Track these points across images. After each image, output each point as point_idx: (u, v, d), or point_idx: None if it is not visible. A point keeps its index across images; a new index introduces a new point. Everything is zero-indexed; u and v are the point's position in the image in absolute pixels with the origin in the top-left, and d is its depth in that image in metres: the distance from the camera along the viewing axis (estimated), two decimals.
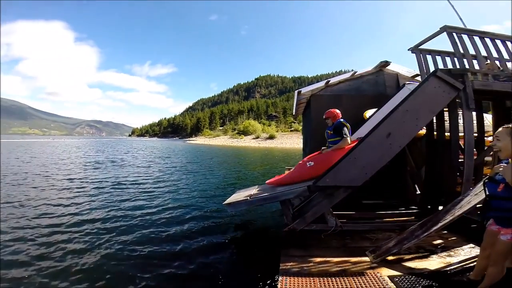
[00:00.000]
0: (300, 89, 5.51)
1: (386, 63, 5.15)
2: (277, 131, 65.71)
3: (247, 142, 56.61)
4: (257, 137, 61.75)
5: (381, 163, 2.95)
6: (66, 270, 3.18)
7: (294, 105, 6.35)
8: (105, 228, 4.57)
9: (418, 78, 5.00)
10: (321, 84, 5.30)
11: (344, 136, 3.78)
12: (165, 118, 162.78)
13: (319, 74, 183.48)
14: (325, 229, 3.21)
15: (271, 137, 57.19)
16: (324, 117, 4.17)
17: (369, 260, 2.68)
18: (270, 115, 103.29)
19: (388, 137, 2.97)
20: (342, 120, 4.01)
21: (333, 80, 5.25)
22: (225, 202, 3.76)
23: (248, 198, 3.40)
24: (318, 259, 2.75)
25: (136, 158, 20.68)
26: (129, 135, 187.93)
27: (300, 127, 68.33)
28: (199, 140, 75.79)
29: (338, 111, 4.13)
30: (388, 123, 3.00)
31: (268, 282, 2.87)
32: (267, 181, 4.59)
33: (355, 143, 3.88)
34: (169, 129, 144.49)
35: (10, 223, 4.76)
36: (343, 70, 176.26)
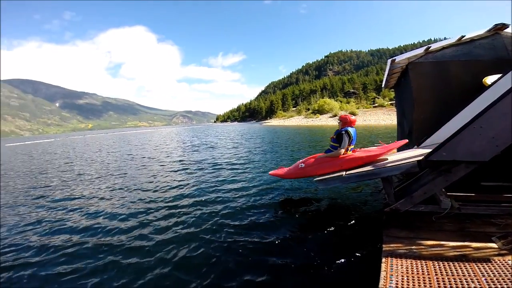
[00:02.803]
0: (393, 57, 5.04)
1: (504, 26, 4.37)
2: (357, 108, 60.49)
3: (323, 121, 54.41)
4: (335, 115, 58.45)
5: None
6: (174, 257, 3.31)
7: (385, 75, 5.85)
8: (210, 212, 4.83)
9: None
10: (420, 51, 4.78)
11: (341, 146, 4.11)
12: (242, 104, 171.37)
13: (402, 45, 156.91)
14: (436, 211, 2.91)
15: (351, 115, 53.17)
16: (338, 119, 4.50)
17: (496, 246, 2.37)
18: (347, 92, 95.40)
19: None
20: (349, 129, 4.23)
21: (434, 46, 4.68)
22: (317, 178, 3.83)
23: (343, 174, 3.35)
24: (430, 242, 2.57)
25: (224, 140, 22.81)
26: (214, 121, 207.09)
27: (386, 102, 60.93)
28: (274, 122, 77.26)
29: (353, 118, 4.40)
30: None
31: (369, 263, 2.76)
32: (269, 172, 5.47)
33: (356, 151, 4.28)
34: (247, 113, 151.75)
35: (138, 206, 5.40)
36: (432, 39, 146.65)
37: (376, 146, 4.67)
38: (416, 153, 3.42)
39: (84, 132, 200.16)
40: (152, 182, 7.68)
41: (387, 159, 3.97)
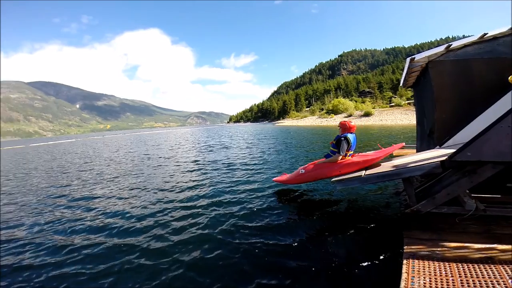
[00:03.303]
0: (412, 56, 4.97)
1: None
2: (373, 108, 59.22)
3: (338, 121, 53.32)
4: (350, 115, 57.56)
5: None
6: (190, 258, 3.29)
7: (404, 74, 5.76)
8: (226, 213, 4.77)
9: None
10: (440, 49, 4.66)
11: (340, 152, 4.34)
12: (255, 104, 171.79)
13: (418, 43, 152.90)
14: (460, 213, 2.84)
15: (367, 114, 52.12)
16: (338, 125, 4.67)
17: None
18: (362, 92, 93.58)
19: None
20: (348, 135, 4.42)
21: (455, 44, 4.56)
22: (335, 179, 3.83)
23: (362, 174, 3.33)
24: (453, 244, 2.52)
25: (238, 141, 22.99)
26: (227, 122, 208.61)
27: (403, 102, 59.35)
28: (287, 122, 76.91)
29: (353, 124, 4.55)
30: None
31: (389, 265, 2.71)
32: (273, 179, 5.89)
33: (354, 156, 4.49)
34: (259, 114, 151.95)
35: (156, 206, 5.46)
36: (450, 37, 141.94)
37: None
38: (438, 154, 3.35)
39: (103, 133, 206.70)
40: (169, 182, 7.78)
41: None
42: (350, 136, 4.44)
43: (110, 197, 6.52)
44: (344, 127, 4.54)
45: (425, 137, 5.21)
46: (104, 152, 19.96)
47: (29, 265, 3.43)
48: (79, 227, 4.63)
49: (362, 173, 3.36)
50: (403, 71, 5.73)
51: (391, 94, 77.75)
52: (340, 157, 4.37)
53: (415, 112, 7.05)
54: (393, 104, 62.05)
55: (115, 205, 5.84)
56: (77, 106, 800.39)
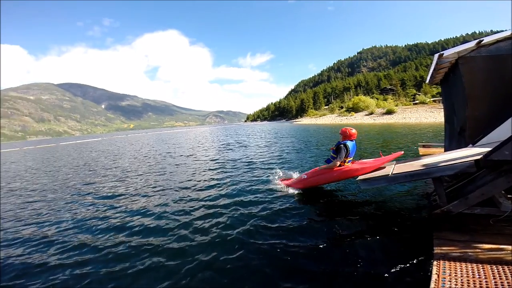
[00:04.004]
0: (441, 52, 4.85)
1: None
2: (396, 105, 57.10)
3: (358, 119, 52.25)
4: (371, 113, 55.85)
5: None
6: (210, 259, 3.27)
7: (431, 71, 5.59)
8: (247, 213, 4.73)
9: None
10: (471, 44, 4.52)
11: (338, 158, 4.54)
12: (271, 103, 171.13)
13: (442, 39, 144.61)
14: (494, 214, 2.73)
15: (389, 112, 50.27)
16: (339, 132, 4.84)
17: None
18: (384, 89, 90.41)
19: None
20: (347, 142, 4.59)
21: (486, 40, 4.41)
22: (360, 177, 3.79)
23: (389, 174, 3.28)
24: (487, 246, 2.45)
25: (256, 139, 23.12)
26: (245, 121, 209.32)
27: (427, 99, 56.76)
28: (305, 121, 75.92)
29: (353, 131, 4.74)
30: None
31: (417, 267, 2.64)
32: (280, 179, 6.24)
33: (354, 163, 4.64)
34: (276, 112, 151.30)
35: (179, 204, 5.50)
36: (477, 32, 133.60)
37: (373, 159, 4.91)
38: (469, 153, 3.23)
39: (126, 132, 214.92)
40: (190, 180, 7.88)
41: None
42: (350, 144, 4.61)
43: (133, 195, 6.70)
44: (345, 135, 4.73)
45: (455, 135, 5.02)
46: (128, 151, 20.83)
47: (53, 263, 3.51)
48: (103, 226, 4.71)
49: (389, 172, 3.30)
50: (427, 67, 5.61)
51: (414, 91, 74.56)
52: (338, 163, 4.56)
53: (442, 109, 6.80)
54: (417, 101, 59.51)
55: (138, 203, 5.97)
56: (103, 106, 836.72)
